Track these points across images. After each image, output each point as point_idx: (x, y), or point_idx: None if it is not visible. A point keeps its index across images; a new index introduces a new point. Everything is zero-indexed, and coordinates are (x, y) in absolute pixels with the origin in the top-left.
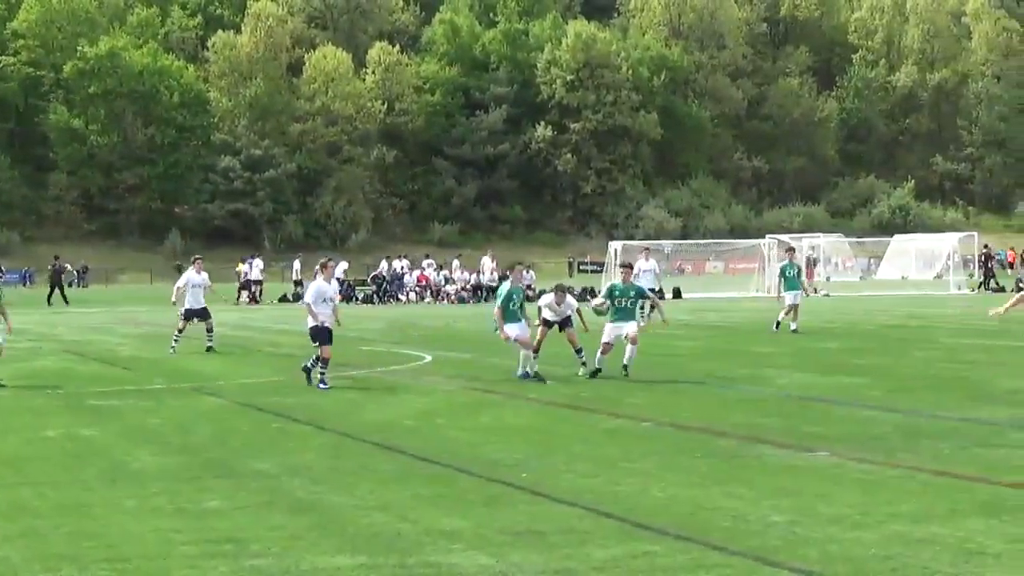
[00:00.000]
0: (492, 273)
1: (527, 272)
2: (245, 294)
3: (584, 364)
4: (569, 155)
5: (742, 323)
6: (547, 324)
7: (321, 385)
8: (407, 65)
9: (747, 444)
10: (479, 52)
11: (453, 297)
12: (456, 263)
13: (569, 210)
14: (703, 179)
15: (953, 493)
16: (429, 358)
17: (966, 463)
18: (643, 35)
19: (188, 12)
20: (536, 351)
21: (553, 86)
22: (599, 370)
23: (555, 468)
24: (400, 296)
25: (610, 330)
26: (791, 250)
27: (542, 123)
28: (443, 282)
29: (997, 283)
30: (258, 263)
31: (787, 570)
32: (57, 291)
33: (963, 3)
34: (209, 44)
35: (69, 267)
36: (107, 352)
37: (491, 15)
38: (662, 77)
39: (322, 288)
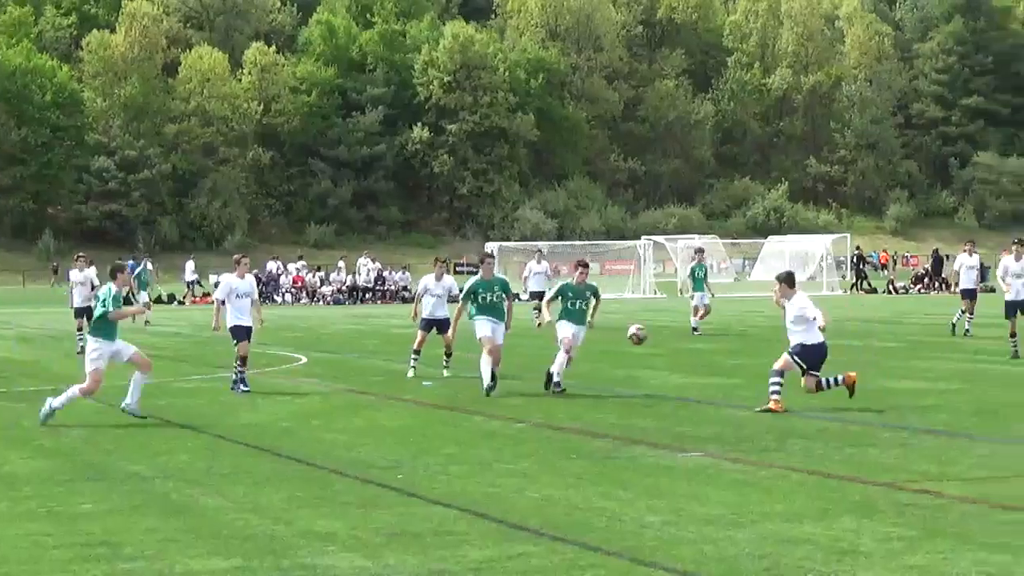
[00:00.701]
0: (369, 274)
1: (404, 272)
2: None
3: (448, 368)
4: (446, 156)
5: (617, 324)
6: (427, 327)
7: (241, 386)
8: (283, 66)
9: (622, 445)
10: (356, 53)
11: (329, 298)
12: (341, 264)
13: (445, 211)
14: (579, 180)
15: (825, 492)
16: (304, 359)
17: (838, 463)
18: (520, 37)
19: (62, 11)
20: (417, 352)
21: (430, 87)
22: (561, 386)
23: (430, 469)
24: (275, 297)
25: (565, 327)
26: (700, 251)
27: (419, 124)
28: (319, 283)
29: (869, 284)
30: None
31: (662, 570)
32: None
33: (836, 7)
34: (83, 43)
35: None
36: None
37: (368, 16)
38: (539, 79)
39: (233, 284)
